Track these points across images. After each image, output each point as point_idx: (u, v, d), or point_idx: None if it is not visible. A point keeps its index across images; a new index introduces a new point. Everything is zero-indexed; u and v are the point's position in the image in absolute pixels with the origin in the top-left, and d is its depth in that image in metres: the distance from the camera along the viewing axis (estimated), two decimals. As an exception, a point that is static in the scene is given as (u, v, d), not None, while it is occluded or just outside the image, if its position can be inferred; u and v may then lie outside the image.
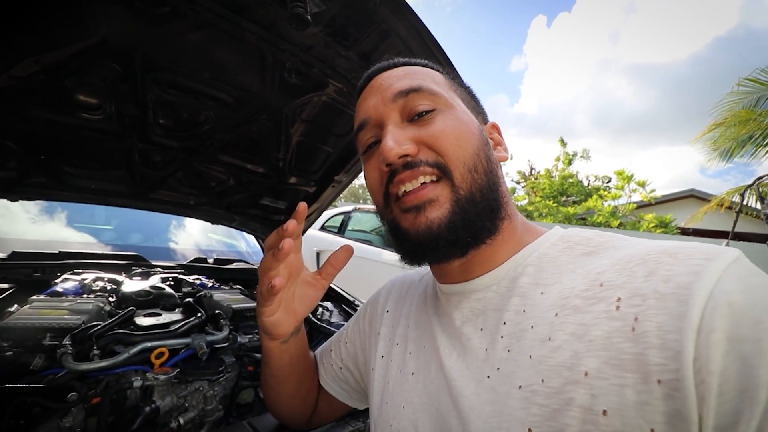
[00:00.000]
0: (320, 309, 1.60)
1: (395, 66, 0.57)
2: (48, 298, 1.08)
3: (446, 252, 0.49)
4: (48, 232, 1.64)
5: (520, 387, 0.41)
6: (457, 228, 0.47)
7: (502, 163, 0.57)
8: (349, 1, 0.86)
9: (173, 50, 1.06)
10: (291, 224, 0.51)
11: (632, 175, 12.04)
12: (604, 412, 0.35)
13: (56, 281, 1.22)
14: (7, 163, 1.25)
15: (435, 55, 0.98)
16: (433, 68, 0.59)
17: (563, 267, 0.47)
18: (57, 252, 1.41)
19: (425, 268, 0.71)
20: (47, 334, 0.91)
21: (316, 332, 1.43)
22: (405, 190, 0.49)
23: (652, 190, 11.87)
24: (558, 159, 15.18)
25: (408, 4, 0.90)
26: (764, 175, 2.40)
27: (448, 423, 0.48)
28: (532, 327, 0.44)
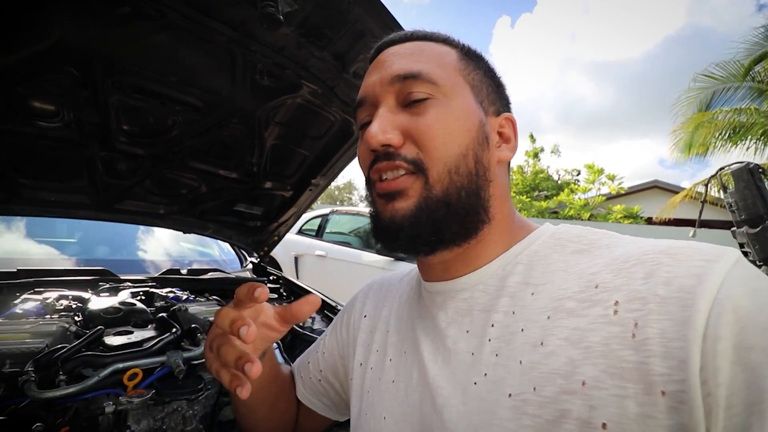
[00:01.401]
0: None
1: (408, 39, 0.53)
2: (7, 320, 1.00)
3: (407, 245, 0.48)
4: (5, 248, 1.53)
5: (510, 395, 0.39)
6: (420, 225, 0.46)
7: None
8: (322, 0, 0.84)
9: (136, 53, 1.01)
10: (264, 294, 0.46)
11: (602, 169, 12.53)
12: (604, 426, 0.33)
13: (15, 302, 1.14)
14: (-45, 176, 1.16)
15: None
16: (451, 44, 0.53)
17: (554, 266, 0.45)
18: (15, 270, 1.31)
19: (405, 270, 0.69)
20: (7, 361, 0.84)
21: (298, 340, 1.40)
22: (383, 176, 0.49)
23: (620, 183, 12.39)
24: (529, 154, 15.57)
25: (382, 3, 0.89)
26: (725, 166, 2.53)
27: None
28: (522, 330, 0.42)
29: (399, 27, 0.95)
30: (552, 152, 16.29)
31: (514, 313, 0.44)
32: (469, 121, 0.48)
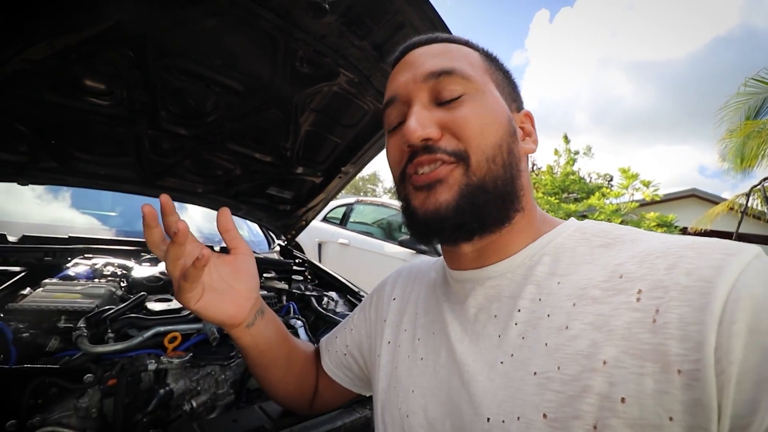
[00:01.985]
0: (325, 299, 1.61)
1: (433, 42, 0.55)
2: (60, 281, 1.09)
3: (451, 234, 0.49)
4: (56, 216, 1.64)
5: (535, 373, 0.41)
6: (464, 212, 0.47)
7: (530, 155, 0.56)
8: (366, -10, 0.86)
9: (186, 37, 1.06)
10: (183, 225, 0.50)
11: (637, 174, 12.02)
12: (623, 400, 0.35)
13: (67, 265, 1.23)
14: (18, 147, 1.26)
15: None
16: (473, 47, 0.56)
17: (580, 258, 0.47)
18: (66, 237, 1.42)
19: (433, 260, 0.72)
20: (62, 317, 0.92)
21: (321, 321, 1.45)
22: (421, 171, 0.50)
23: (656, 189, 11.87)
24: (558, 154, 15.12)
25: (424, -5, 0.90)
26: (769, 176, 2.41)
27: (459, 407, 0.47)
28: (548, 315, 0.44)
29: (439, 19, 0.96)
30: (584, 153, 15.78)
31: (540, 300, 0.46)
32: (500, 115, 0.51)
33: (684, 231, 10.29)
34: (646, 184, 11.98)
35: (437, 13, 0.94)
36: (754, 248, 0.37)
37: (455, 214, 0.47)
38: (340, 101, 1.39)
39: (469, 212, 0.47)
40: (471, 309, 0.53)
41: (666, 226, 10.67)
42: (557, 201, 12.57)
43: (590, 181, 15.55)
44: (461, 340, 0.52)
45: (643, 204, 11.90)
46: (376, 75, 1.23)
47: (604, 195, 12.41)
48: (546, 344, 0.42)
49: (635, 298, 0.38)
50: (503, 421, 0.41)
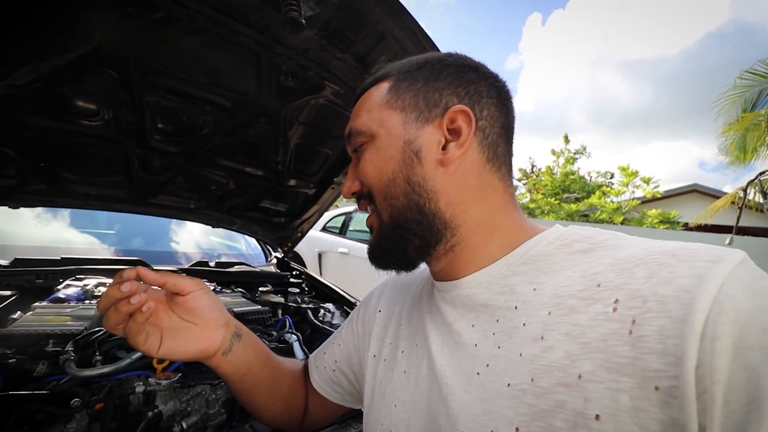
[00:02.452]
0: (322, 311, 1.60)
1: (363, 91, 0.58)
2: (50, 304, 1.09)
3: (385, 266, 0.57)
4: (50, 238, 1.65)
5: (509, 385, 0.41)
6: (382, 253, 0.55)
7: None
8: (344, 3, 0.86)
9: (169, 55, 1.06)
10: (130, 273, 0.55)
11: (637, 171, 12.01)
12: (597, 417, 0.34)
13: (58, 287, 1.23)
14: (7, 170, 1.26)
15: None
16: (385, 78, 0.55)
17: (558, 264, 0.45)
18: (59, 258, 1.42)
19: (420, 269, 0.71)
20: (50, 341, 0.92)
21: (318, 334, 1.44)
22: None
23: (656, 186, 11.84)
24: (556, 154, 15.12)
25: (403, 5, 0.90)
26: (766, 170, 2.40)
27: (437, 421, 0.47)
28: (524, 325, 0.43)
29: (419, 28, 0.96)
30: (577, 152, 15.72)
31: (516, 308, 0.45)
32: (391, 149, 0.52)
33: (687, 226, 10.24)
34: (647, 181, 11.98)
35: (416, 22, 0.94)
36: (739, 254, 0.35)
37: (380, 252, 0.56)
38: (328, 113, 1.39)
39: (387, 249, 0.54)
40: (450, 319, 0.52)
41: (668, 222, 10.64)
42: (557, 202, 12.55)
43: (591, 179, 15.51)
44: (441, 351, 0.51)
45: (645, 201, 11.88)
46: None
47: (604, 194, 12.40)
48: (521, 354, 0.41)
49: (612, 308, 0.37)
50: None
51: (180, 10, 0.89)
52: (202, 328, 0.61)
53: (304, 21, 0.79)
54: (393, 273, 0.58)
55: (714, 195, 10.87)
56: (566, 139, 15.15)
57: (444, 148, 0.51)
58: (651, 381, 0.32)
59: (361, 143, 0.54)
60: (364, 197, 0.56)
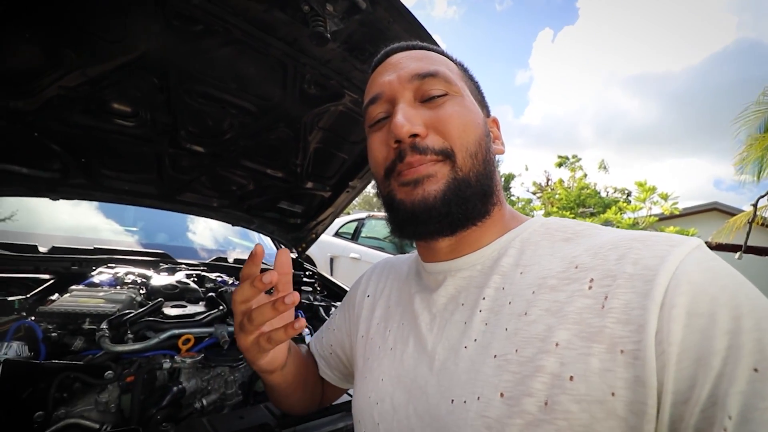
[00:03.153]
0: (333, 309, 1.66)
1: (413, 48, 0.60)
2: (86, 288, 1.18)
3: (437, 225, 0.52)
4: (84, 229, 1.76)
5: (495, 356, 0.45)
6: (451, 203, 0.50)
7: (498, 156, 0.60)
8: (365, 20, 0.94)
9: (204, 63, 1.16)
10: (273, 276, 0.52)
11: (654, 187, 11.80)
12: (571, 378, 0.38)
13: (92, 274, 1.33)
14: (52, 164, 1.37)
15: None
16: (448, 57, 0.61)
17: (543, 251, 0.50)
18: (92, 248, 1.52)
19: (407, 255, 0.75)
20: (86, 319, 1.00)
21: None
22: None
23: (675, 203, 11.61)
24: (568, 167, 14.95)
25: (418, 22, 0.98)
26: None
27: (425, 391, 0.51)
28: (509, 303, 0.47)
29: (435, 44, 1.03)
30: (599, 168, 15.60)
31: (504, 289, 0.50)
32: (477, 116, 0.55)
33: (707, 245, 9.99)
34: (665, 197, 11.72)
35: (432, 38, 1.01)
36: (696, 240, 0.41)
37: (442, 204, 0.50)
38: (346, 119, 1.47)
39: (455, 203, 0.50)
40: (441, 298, 0.56)
41: (687, 241, 10.35)
42: (572, 215, 12.39)
43: (607, 195, 15.31)
44: (431, 328, 0.55)
45: (663, 218, 11.63)
46: (379, 95, 1.31)
47: (621, 209, 12.20)
48: (506, 329, 0.45)
49: (587, 286, 0.42)
50: (465, 402, 0.45)
51: (218, 24, 0.98)
52: (282, 344, 0.63)
53: (329, 36, 0.87)
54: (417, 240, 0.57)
55: (734, 214, 10.60)
56: (576, 158, 15.00)
57: (494, 141, 0.59)
58: (617, 346, 0.37)
59: (444, 92, 0.53)
60: (422, 150, 0.51)
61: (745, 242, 2.75)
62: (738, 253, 2.72)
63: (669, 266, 0.37)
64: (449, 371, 0.49)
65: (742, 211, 10.37)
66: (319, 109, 1.40)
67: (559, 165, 14.88)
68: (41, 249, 1.40)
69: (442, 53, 0.61)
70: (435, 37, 1.03)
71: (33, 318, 0.99)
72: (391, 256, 0.80)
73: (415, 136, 0.51)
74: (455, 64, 0.61)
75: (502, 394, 0.42)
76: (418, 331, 0.57)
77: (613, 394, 0.36)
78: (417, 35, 1.02)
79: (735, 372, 0.31)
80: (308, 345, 0.86)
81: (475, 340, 0.48)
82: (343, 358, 0.76)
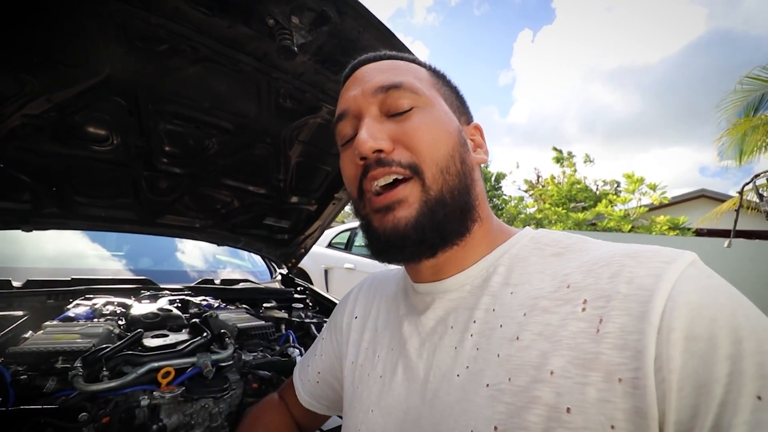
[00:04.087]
0: (324, 325, 1.62)
1: (381, 59, 0.57)
2: (60, 323, 1.13)
3: (413, 252, 0.49)
4: (61, 260, 1.70)
5: (487, 385, 0.42)
6: (425, 229, 0.47)
7: (482, 165, 0.58)
8: (334, 30, 0.92)
9: (174, 83, 1.13)
10: None
11: (642, 178, 11.95)
12: (568, 410, 0.36)
13: (69, 307, 1.27)
14: (21, 195, 1.32)
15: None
16: (419, 64, 0.58)
17: (533, 267, 0.48)
18: (69, 279, 1.46)
19: (395, 269, 0.71)
20: (59, 358, 0.95)
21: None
22: (378, 185, 0.49)
23: (663, 192, 11.75)
24: (562, 161, 15.10)
25: (389, 30, 0.95)
26: (761, 173, 2.42)
27: (419, 423, 0.48)
28: (501, 326, 0.45)
29: (408, 52, 1.01)
30: (585, 161, 15.75)
31: (494, 310, 0.47)
32: (449, 125, 0.52)
33: (698, 232, 10.10)
34: (653, 188, 11.86)
35: (405, 46, 0.99)
36: (690, 255, 0.38)
37: (414, 231, 0.47)
38: (325, 132, 1.44)
39: (429, 228, 0.48)
40: (430, 321, 0.53)
41: (678, 228, 10.50)
42: (564, 211, 12.47)
43: (597, 188, 15.45)
44: (420, 354, 0.52)
45: (653, 208, 11.75)
46: (357, 105, 1.29)
47: (611, 202, 12.31)
48: (498, 355, 0.43)
49: (581, 308, 0.40)
50: None
51: (184, 42, 0.95)
52: None
53: (296, 49, 0.84)
54: (390, 266, 0.54)
55: (722, 200, 10.74)
56: (570, 154, 15.14)
57: (474, 150, 0.56)
58: (615, 374, 0.35)
59: (411, 105, 0.50)
60: (387, 163, 0.48)
61: (733, 230, 2.77)
62: (727, 242, 2.74)
63: (665, 286, 0.35)
64: (442, 401, 0.46)
65: (729, 196, 10.52)
66: (297, 122, 1.37)
67: (557, 160, 14.99)
68: (15, 284, 1.35)
69: (414, 60, 0.59)
70: (417, 44, 1.04)
71: (2, 360, 0.93)
72: (378, 271, 0.76)
73: (379, 151, 0.49)
74: (428, 70, 0.58)
75: (495, 428, 0.40)
76: (407, 357, 0.54)
77: (612, 427, 0.34)
78: (388, 43, 0.99)
79: (738, 400, 0.30)
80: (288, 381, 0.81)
81: (467, 367, 0.46)
82: (335, 384, 0.72)
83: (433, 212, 0.48)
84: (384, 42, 0.97)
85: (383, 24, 0.93)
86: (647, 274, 0.37)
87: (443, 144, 0.50)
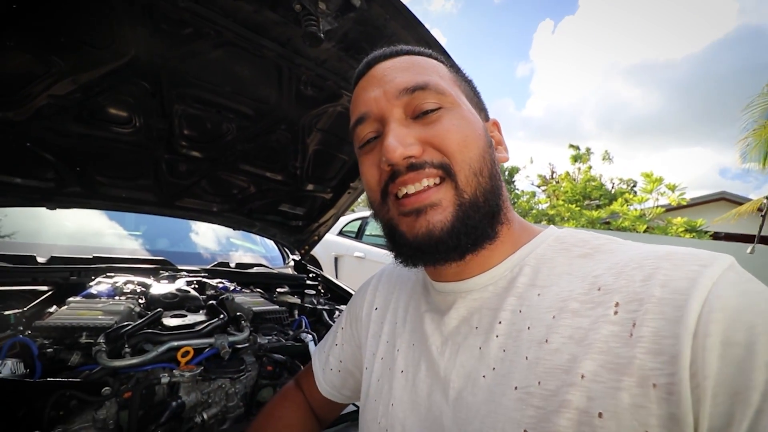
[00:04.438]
0: (337, 312, 1.64)
1: (398, 54, 0.54)
2: (84, 299, 1.16)
3: (444, 256, 0.48)
4: (83, 238, 1.74)
5: (516, 388, 0.41)
6: (459, 234, 0.46)
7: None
8: (360, 18, 0.90)
9: (197, 67, 1.13)
10: None
11: (661, 178, 11.71)
12: (600, 415, 0.35)
13: (91, 284, 1.31)
14: (46, 174, 1.35)
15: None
16: (437, 59, 0.55)
17: (560, 268, 0.46)
18: (91, 257, 1.50)
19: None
20: (83, 333, 0.98)
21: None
22: (407, 192, 0.47)
23: (682, 194, 11.50)
24: (572, 159, 14.86)
25: (416, 18, 0.94)
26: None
27: (441, 422, 0.47)
28: (528, 328, 0.44)
29: (434, 40, 1.00)
30: (603, 159, 15.48)
31: (521, 311, 0.46)
32: (477, 125, 0.50)
33: (716, 236, 9.89)
34: (672, 188, 11.63)
35: (430, 33, 0.98)
36: (728, 258, 0.37)
37: (449, 236, 0.46)
38: (344, 120, 1.44)
39: (464, 233, 0.46)
40: (452, 321, 0.52)
41: (694, 231, 10.29)
42: (578, 208, 12.31)
43: (613, 187, 15.18)
44: (442, 352, 0.52)
45: (670, 209, 11.52)
46: (377, 94, 1.28)
47: (627, 201, 12.11)
48: (526, 358, 0.42)
49: (613, 311, 0.38)
50: None
51: (208, 26, 0.95)
52: None
53: (322, 35, 0.83)
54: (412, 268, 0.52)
55: (742, 203, 10.47)
56: (576, 149, 14.87)
57: (496, 148, 0.54)
58: (649, 379, 0.34)
59: (437, 106, 0.48)
60: (420, 166, 0.46)
61: (758, 235, 2.70)
62: (750, 247, 2.67)
63: (701, 290, 0.34)
64: (467, 402, 0.46)
65: (750, 200, 10.25)
66: (317, 110, 1.37)
67: (575, 159, 14.74)
68: (39, 260, 1.39)
69: (431, 55, 0.55)
70: (433, 32, 0.99)
71: (29, 333, 0.97)
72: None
73: (410, 157, 0.47)
74: (446, 66, 0.55)
75: (525, 431, 0.39)
76: (429, 354, 0.53)
77: None
78: (415, 32, 0.98)
79: None
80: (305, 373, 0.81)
81: (494, 368, 0.45)
82: (356, 373, 0.71)
83: (468, 216, 0.46)
84: (411, 31, 0.96)
85: (411, 12, 0.91)
86: (683, 278, 0.36)
87: (474, 145, 0.48)
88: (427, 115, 0.48)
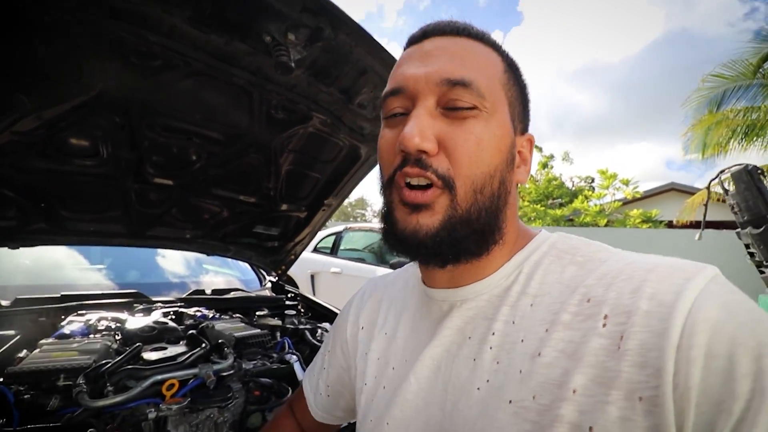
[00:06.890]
0: (319, 331, 1.64)
1: (458, 34, 0.50)
2: (56, 341, 1.12)
3: (425, 259, 0.49)
4: (49, 275, 1.67)
5: (510, 401, 0.41)
6: (442, 243, 0.46)
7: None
8: (328, 46, 0.95)
9: (166, 97, 1.13)
10: None
11: (616, 174, 12.45)
12: (590, 429, 0.36)
13: (62, 324, 1.26)
14: (7, 212, 1.30)
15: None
16: (498, 51, 0.51)
17: (552, 276, 0.47)
18: (59, 296, 1.44)
19: (401, 270, 0.69)
20: (61, 375, 0.95)
21: (317, 353, 1.47)
22: (409, 182, 0.47)
23: (635, 187, 12.25)
24: (540, 165, 15.53)
25: (380, 45, 0.99)
26: (725, 168, 2.60)
27: None
28: (522, 341, 0.44)
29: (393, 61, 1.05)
30: (563, 159, 16.25)
31: (514, 323, 0.46)
32: (503, 140, 0.48)
33: (670, 225, 10.55)
34: (626, 183, 12.36)
35: (393, 57, 1.03)
36: (712, 269, 0.38)
37: (432, 243, 0.46)
38: (316, 140, 1.47)
39: (447, 243, 0.46)
40: (447, 330, 0.52)
41: (650, 221, 10.94)
42: (543, 208, 12.80)
43: (573, 185, 15.91)
44: (437, 365, 0.51)
45: (626, 202, 12.21)
46: (347, 115, 1.32)
47: (587, 197, 12.72)
48: (520, 371, 0.42)
49: (602, 323, 0.39)
50: None
51: (178, 58, 0.96)
52: None
53: (293, 65, 0.87)
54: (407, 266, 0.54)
55: (690, 192, 11.26)
56: (538, 149, 15.55)
57: (518, 167, 0.52)
58: (635, 392, 0.35)
59: (471, 106, 0.46)
60: (425, 166, 0.46)
61: (702, 223, 2.93)
62: (698, 234, 2.91)
63: (685, 303, 0.35)
64: (462, 414, 0.46)
65: (698, 189, 11.03)
66: (288, 132, 1.39)
67: (543, 166, 15.34)
68: (3, 302, 1.32)
69: (493, 45, 0.51)
70: (393, 44, 1.05)
71: (1, 381, 0.92)
72: (377, 276, 0.76)
73: (423, 152, 0.46)
74: (504, 64, 0.51)
75: None
76: (424, 366, 0.52)
77: None
78: (379, 57, 1.03)
79: (756, 419, 0.30)
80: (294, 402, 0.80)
81: (488, 380, 0.45)
82: (346, 394, 0.70)
83: (455, 229, 0.46)
84: (375, 56, 1.01)
85: (375, 39, 0.96)
86: (668, 291, 0.37)
87: (486, 162, 0.46)
88: (457, 111, 0.46)
